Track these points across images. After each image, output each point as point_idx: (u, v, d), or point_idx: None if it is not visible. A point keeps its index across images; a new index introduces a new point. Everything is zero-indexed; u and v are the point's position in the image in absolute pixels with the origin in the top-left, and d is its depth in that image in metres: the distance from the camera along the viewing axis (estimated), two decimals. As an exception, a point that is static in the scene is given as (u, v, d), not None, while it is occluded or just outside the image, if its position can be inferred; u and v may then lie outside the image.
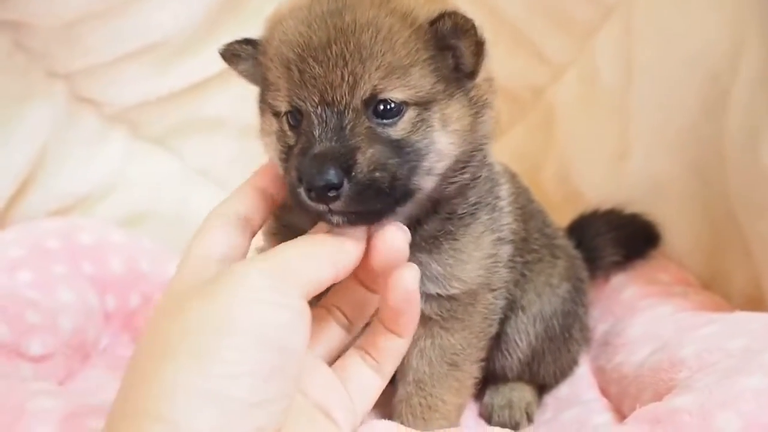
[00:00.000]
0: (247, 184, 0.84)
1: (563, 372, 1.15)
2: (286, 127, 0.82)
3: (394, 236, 0.76)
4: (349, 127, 0.75)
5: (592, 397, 1.11)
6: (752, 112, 1.10)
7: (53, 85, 1.47)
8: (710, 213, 1.27)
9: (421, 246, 0.86)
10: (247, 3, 1.57)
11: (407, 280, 0.77)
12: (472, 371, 0.95)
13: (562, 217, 1.33)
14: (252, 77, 0.92)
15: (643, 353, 1.04)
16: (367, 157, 0.74)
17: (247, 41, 0.89)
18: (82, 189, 1.53)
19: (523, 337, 1.07)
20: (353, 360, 0.83)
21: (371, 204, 0.74)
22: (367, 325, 0.87)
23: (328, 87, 0.76)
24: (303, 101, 0.77)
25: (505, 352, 1.08)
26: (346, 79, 0.75)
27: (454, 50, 0.80)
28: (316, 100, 0.76)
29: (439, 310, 0.91)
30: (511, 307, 1.04)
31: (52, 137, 1.46)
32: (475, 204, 0.89)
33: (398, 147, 0.77)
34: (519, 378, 1.11)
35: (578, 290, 1.14)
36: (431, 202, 0.85)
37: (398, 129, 0.77)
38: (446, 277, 0.88)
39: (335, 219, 0.74)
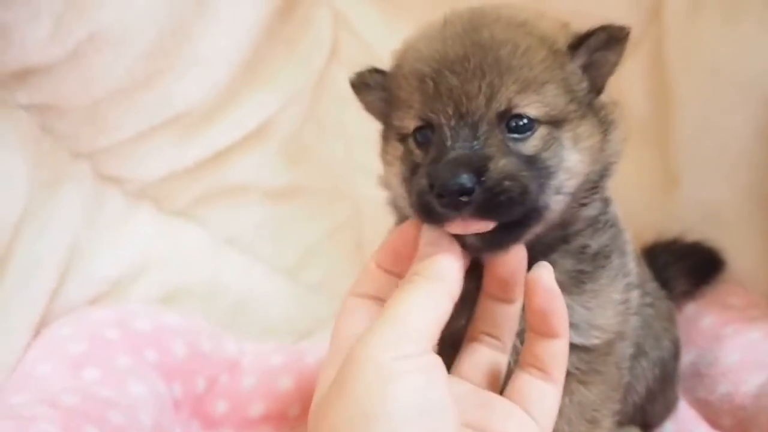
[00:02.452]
0: (371, 262, 0.81)
1: (669, 410, 1.14)
2: (412, 146, 0.81)
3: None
4: (482, 138, 0.74)
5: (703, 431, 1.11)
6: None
7: (78, 165, 1.41)
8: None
9: (560, 285, 0.84)
10: (266, 65, 1.54)
11: (545, 279, 0.75)
12: (610, 427, 0.93)
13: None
14: (375, 109, 0.92)
15: (756, 382, 1.04)
16: (499, 166, 0.72)
17: (377, 70, 0.89)
18: (115, 272, 1.45)
19: (642, 382, 1.06)
20: (522, 380, 0.79)
21: (502, 215, 0.73)
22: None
23: (463, 98, 0.75)
24: (436, 114, 0.76)
25: (625, 398, 1.06)
26: (483, 90, 0.75)
27: (596, 65, 0.81)
28: (450, 112, 0.75)
29: (578, 362, 0.88)
30: (635, 353, 1.03)
31: (82, 221, 1.39)
32: (607, 245, 0.88)
33: (529, 163, 0.76)
34: (630, 421, 1.10)
35: (677, 328, 1.14)
36: (561, 228, 0.84)
37: (529, 145, 0.77)
38: (590, 324, 0.86)
39: (469, 239, 0.73)
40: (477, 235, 0.73)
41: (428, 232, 0.76)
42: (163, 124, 1.44)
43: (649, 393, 1.07)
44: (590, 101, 0.82)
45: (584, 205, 0.84)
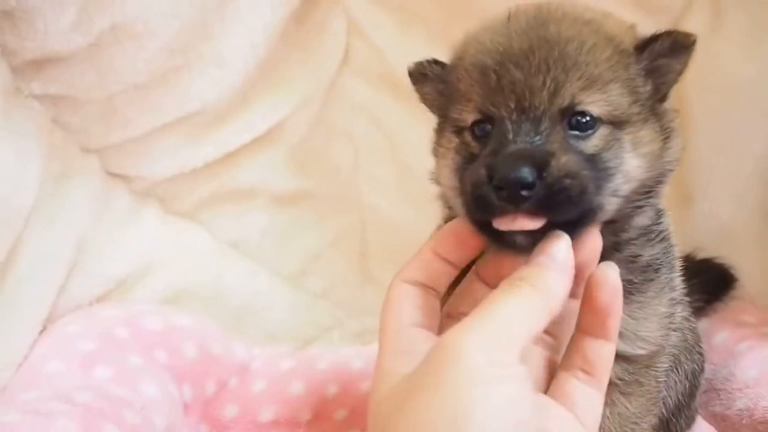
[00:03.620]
0: (427, 248, 0.79)
1: (690, 424, 1.14)
2: (469, 139, 0.80)
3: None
4: (544, 133, 0.73)
5: (722, 446, 1.11)
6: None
7: (88, 161, 1.38)
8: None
9: None
10: (280, 69, 1.53)
11: (612, 276, 0.75)
12: None
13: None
14: (431, 101, 0.89)
15: (776, 396, 1.05)
16: (561, 162, 0.71)
17: (436, 62, 0.87)
18: (121, 271, 1.43)
19: (672, 394, 1.05)
20: (569, 383, 0.77)
21: (559, 213, 0.71)
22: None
23: (527, 92, 0.74)
24: (497, 107, 0.75)
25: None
26: (548, 85, 0.74)
27: (661, 71, 0.80)
28: (513, 106, 0.74)
29: (622, 373, 0.87)
30: (671, 366, 1.02)
31: (90, 217, 1.36)
32: (657, 258, 0.87)
33: (589, 162, 0.74)
34: (655, 432, 1.10)
35: (701, 343, 1.14)
36: (614, 233, 0.82)
37: (590, 144, 0.76)
38: (636, 334, 0.85)
39: (519, 238, 0.72)
40: (527, 233, 0.72)
41: (544, 244, 0.73)
42: (175, 123, 1.42)
43: (678, 406, 1.07)
44: (653, 106, 0.81)
45: (638, 208, 0.83)
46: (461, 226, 0.78)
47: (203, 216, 1.57)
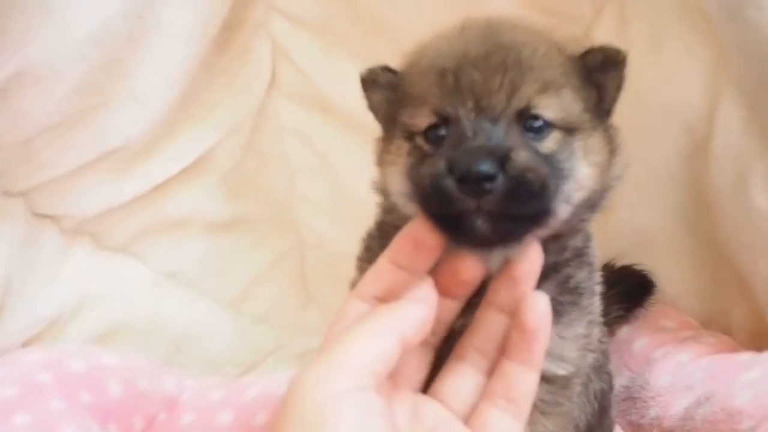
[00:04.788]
0: (383, 259, 0.80)
1: (605, 438, 1.16)
2: (422, 142, 0.81)
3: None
4: (503, 132, 0.75)
5: (635, 455, 1.12)
6: (737, 159, 1.17)
7: (11, 205, 1.38)
8: (699, 256, 1.32)
9: None
10: (204, 97, 1.54)
11: (543, 302, 0.77)
12: None
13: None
14: (379, 109, 0.90)
15: (683, 404, 1.06)
16: (521, 157, 0.73)
17: (389, 69, 0.88)
18: (52, 311, 1.43)
19: (583, 416, 1.06)
20: (488, 412, 0.79)
21: (521, 207, 0.73)
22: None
23: (485, 93, 0.76)
24: (455, 107, 0.76)
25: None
26: (505, 86, 0.76)
27: (600, 85, 0.83)
28: (471, 105, 0.76)
29: (543, 393, 0.87)
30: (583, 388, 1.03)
31: (15, 261, 1.37)
32: (583, 282, 0.89)
33: (546, 161, 0.77)
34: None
35: (609, 360, 1.15)
36: (554, 251, 0.84)
37: (545, 146, 0.78)
38: (560, 354, 0.87)
39: (479, 223, 0.73)
40: (487, 218, 0.73)
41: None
42: (98, 160, 1.42)
43: (588, 427, 1.08)
44: (600, 117, 0.84)
45: (582, 221, 0.85)
46: (416, 227, 0.79)
47: (137, 248, 1.58)
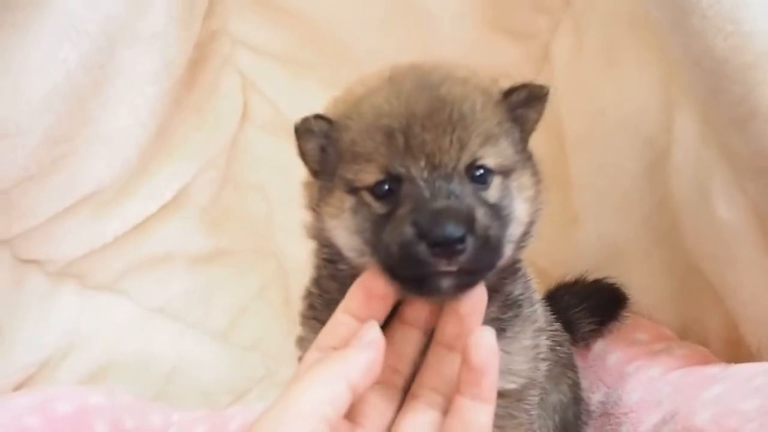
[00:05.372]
0: (339, 311, 0.83)
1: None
2: (369, 199, 0.82)
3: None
4: (458, 189, 0.78)
5: (608, 472, 1.13)
6: (698, 170, 1.17)
7: (-5, 254, 1.42)
8: (670, 266, 1.32)
9: None
10: (177, 135, 1.56)
11: (488, 337, 0.78)
12: None
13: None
14: (312, 157, 0.90)
15: (651, 422, 1.07)
16: (482, 215, 0.76)
17: (322, 117, 0.88)
18: (42, 354, 1.47)
19: (543, 430, 1.07)
20: None
21: (484, 262, 0.77)
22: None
23: (436, 151, 0.78)
24: (406, 167, 0.79)
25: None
26: (454, 144, 0.79)
27: (522, 120, 0.86)
28: (423, 164, 0.78)
29: (496, 408, 0.86)
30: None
31: (2, 306, 1.40)
32: (521, 293, 0.92)
33: (493, 212, 0.80)
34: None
35: (576, 373, 1.16)
36: (497, 274, 0.86)
37: (490, 195, 0.81)
38: (508, 368, 0.89)
39: (445, 283, 0.76)
40: (450, 278, 0.76)
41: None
42: (76, 205, 1.45)
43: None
44: (525, 151, 0.87)
45: (521, 249, 0.88)
46: (370, 280, 0.81)
47: (123, 286, 1.61)
